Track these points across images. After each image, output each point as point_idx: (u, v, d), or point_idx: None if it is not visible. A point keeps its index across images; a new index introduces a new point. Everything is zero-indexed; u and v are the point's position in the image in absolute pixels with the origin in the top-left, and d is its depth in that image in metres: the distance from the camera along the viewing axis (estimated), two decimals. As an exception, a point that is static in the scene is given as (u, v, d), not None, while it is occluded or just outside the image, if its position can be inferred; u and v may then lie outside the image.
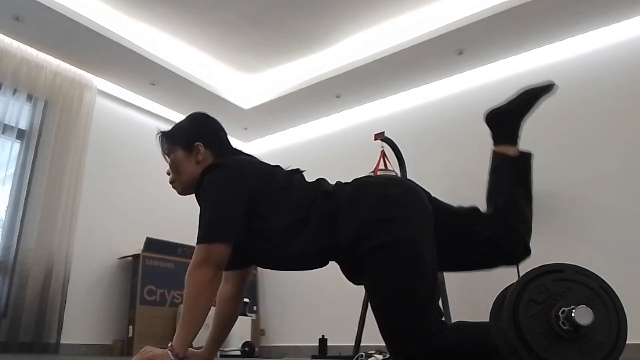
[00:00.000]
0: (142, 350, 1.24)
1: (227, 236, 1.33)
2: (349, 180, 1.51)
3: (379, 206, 1.34)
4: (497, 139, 1.54)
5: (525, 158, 1.51)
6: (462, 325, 1.29)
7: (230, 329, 1.59)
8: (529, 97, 1.54)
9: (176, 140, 1.55)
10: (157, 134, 1.60)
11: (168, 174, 1.56)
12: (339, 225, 1.36)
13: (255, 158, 1.57)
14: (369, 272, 1.31)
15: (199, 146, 1.52)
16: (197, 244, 1.33)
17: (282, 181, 1.47)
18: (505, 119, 1.54)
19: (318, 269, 1.48)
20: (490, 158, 1.55)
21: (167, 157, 1.56)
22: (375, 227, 1.31)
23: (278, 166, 1.54)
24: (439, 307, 1.34)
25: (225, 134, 1.63)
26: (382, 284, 1.28)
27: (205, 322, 1.29)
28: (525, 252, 1.43)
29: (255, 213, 1.39)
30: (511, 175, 1.47)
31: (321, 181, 1.52)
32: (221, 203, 1.35)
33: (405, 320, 1.24)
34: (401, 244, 1.28)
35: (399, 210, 1.33)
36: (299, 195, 1.44)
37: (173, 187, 1.58)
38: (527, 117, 1.54)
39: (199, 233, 1.34)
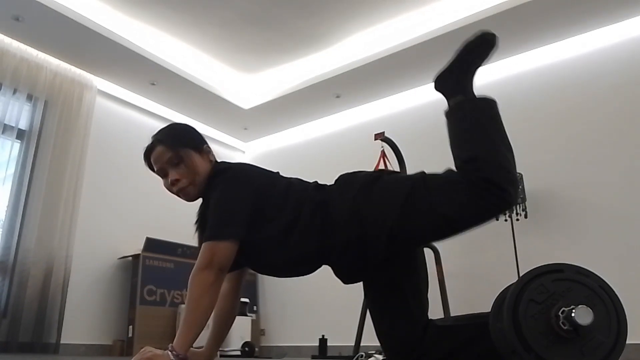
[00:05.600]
0: (142, 350, 1.25)
1: (234, 234, 1.34)
2: None
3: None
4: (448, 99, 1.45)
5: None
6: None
7: (230, 327, 1.59)
8: (469, 51, 1.40)
9: (185, 142, 1.48)
10: (155, 139, 1.52)
11: (173, 183, 1.47)
12: (368, 211, 1.36)
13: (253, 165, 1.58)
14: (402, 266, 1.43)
15: (208, 147, 1.54)
16: (204, 241, 1.33)
17: (283, 186, 1.48)
18: (449, 78, 1.45)
19: (318, 270, 1.49)
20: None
21: (172, 163, 1.47)
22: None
23: (277, 173, 1.56)
24: None
25: None
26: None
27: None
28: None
29: (258, 218, 1.39)
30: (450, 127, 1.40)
31: (316, 184, 1.52)
32: (230, 204, 1.37)
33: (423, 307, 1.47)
34: None
35: None
36: (295, 198, 1.45)
37: (182, 194, 1.49)
38: (473, 71, 1.41)
39: (206, 232, 1.35)
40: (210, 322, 1.45)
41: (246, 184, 1.41)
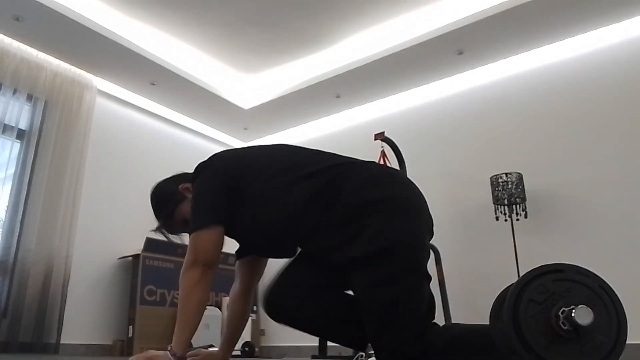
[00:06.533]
0: (143, 353, 1.27)
1: (211, 219, 1.32)
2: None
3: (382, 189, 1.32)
4: None
5: None
6: (455, 325, 1.29)
7: (243, 328, 1.61)
8: None
9: (170, 209, 1.53)
10: (157, 230, 1.59)
11: None
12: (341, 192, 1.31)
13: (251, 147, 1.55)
14: (367, 269, 1.26)
15: (184, 187, 1.52)
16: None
17: (281, 151, 1.46)
18: None
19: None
20: None
21: (183, 225, 1.53)
22: (375, 209, 1.27)
23: (280, 144, 1.53)
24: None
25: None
26: (387, 282, 1.23)
27: (205, 323, 1.30)
28: None
29: (242, 197, 1.37)
30: None
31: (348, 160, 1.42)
32: (202, 196, 1.37)
33: (408, 318, 1.21)
34: (403, 244, 1.25)
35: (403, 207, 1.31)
36: (305, 159, 1.40)
37: None
38: None
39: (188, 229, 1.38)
40: (210, 323, 1.45)
41: (213, 171, 1.39)
